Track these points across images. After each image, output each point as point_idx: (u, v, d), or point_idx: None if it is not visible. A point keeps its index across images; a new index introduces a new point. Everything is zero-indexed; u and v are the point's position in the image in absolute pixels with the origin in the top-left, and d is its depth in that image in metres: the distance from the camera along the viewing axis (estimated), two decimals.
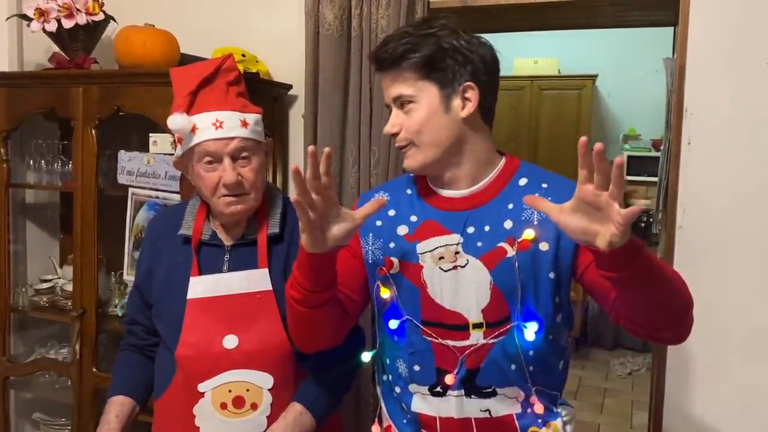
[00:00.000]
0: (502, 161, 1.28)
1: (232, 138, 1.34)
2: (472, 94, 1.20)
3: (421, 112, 1.19)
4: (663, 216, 2.18)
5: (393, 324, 1.25)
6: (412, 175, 1.33)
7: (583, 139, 0.95)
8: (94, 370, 2.33)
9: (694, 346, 1.98)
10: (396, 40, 1.19)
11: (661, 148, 2.38)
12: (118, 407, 1.47)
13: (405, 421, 1.30)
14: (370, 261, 1.29)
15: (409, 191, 1.31)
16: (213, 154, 1.34)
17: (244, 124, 1.36)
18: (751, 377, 1.94)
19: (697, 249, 1.95)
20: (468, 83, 1.20)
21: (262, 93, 2.19)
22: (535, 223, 1.19)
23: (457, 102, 1.20)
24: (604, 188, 0.93)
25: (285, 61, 2.33)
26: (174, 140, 2.05)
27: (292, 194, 1.05)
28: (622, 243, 0.93)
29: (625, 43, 5.36)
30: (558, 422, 1.27)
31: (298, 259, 1.13)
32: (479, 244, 1.20)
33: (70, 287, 2.41)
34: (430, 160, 1.21)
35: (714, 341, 1.96)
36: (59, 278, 2.58)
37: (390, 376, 1.32)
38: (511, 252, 1.18)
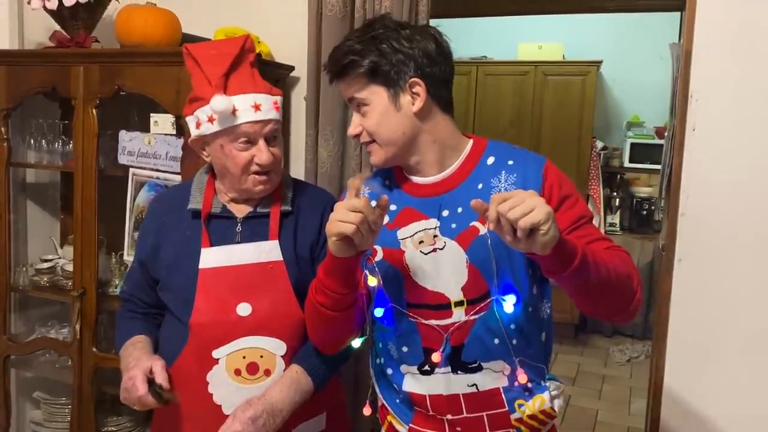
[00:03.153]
0: (469, 144, 1.33)
1: (269, 120, 1.41)
2: (419, 89, 1.26)
3: (374, 113, 1.27)
4: (666, 203, 2.18)
5: (378, 312, 1.30)
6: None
7: (473, 202, 1.06)
8: (94, 349, 2.33)
9: (695, 333, 1.98)
10: (341, 52, 1.28)
11: (666, 134, 2.37)
12: (135, 344, 1.47)
13: (398, 400, 1.35)
14: None
15: (387, 182, 1.38)
16: (251, 135, 1.40)
17: (276, 106, 1.44)
18: (751, 366, 1.94)
19: (700, 236, 1.94)
20: (413, 79, 1.26)
21: (265, 75, 2.13)
22: None
23: (406, 98, 1.27)
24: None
25: (287, 42, 2.31)
26: (175, 120, 2.06)
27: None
28: (546, 252, 1.02)
29: (630, 28, 5.32)
30: (545, 395, 1.30)
31: (324, 266, 1.21)
32: (453, 225, 1.26)
33: (70, 267, 2.41)
34: (391, 155, 1.30)
35: (714, 328, 1.96)
36: (60, 258, 2.58)
37: (382, 359, 1.38)
38: (483, 230, 1.23)
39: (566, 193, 1.24)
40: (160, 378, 1.34)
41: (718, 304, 1.94)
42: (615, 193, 5.40)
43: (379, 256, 1.30)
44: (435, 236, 1.26)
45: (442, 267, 1.25)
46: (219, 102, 1.37)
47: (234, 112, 1.38)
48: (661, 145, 2.61)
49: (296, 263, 1.46)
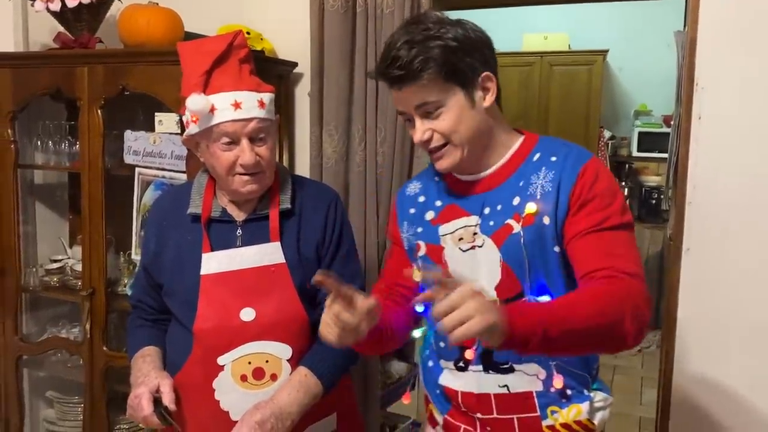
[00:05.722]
0: (520, 140, 1.29)
1: (251, 119, 1.36)
2: (491, 84, 1.23)
3: (451, 114, 1.20)
4: (673, 192, 2.16)
5: (419, 307, 1.30)
6: None
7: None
8: (105, 348, 2.35)
9: (704, 323, 1.97)
10: (404, 52, 1.17)
11: (672, 123, 2.35)
12: (144, 357, 1.47)
13: (438, 392, 1.35)
14: (406, 247, 1.36)
15: (437, 178, 1.35)
16: (231, 134, 1.36)
17: (261, 104, 1.38)
18: (761, 356, 1.93)
19: (708, 225, 1.93)
20: (485, 74, 1.22)
21: (267, 71, 2.17)
22: (538, 197, 1.20)
23: (479, 94, 1.22)
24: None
25: (290, 38, 2.31)
26: (179, 119, 2.06)
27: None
28: (497, 344, 0.98)
29: (636, 17, 5.27)
30: (584, 405, 1.24)
31: None
32: (491, 223, 1.23)
33: (79, 267, 2.42)
34: (466, 155, 1.23)
35: (723, 317, 1.95)
36: (69, 258, 2.59)
37: (427, 351, 1.39)
38: (517, 228, 1.20)
39: (596, 193, 1.17)
40: (167, 399, 1.33)
41: (726, 293, 1.93)
42: (623, 183, 5.37)
43: (423, 251, 1.30)
44: (475, 234, 1.24)
45: (478, 265, 1.23)
46: (193, 101, 1.34)
47: (212, 111, 1.34)
48: (669, 134, 2.59)
49: (300, 265, 1.44)
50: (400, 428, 2.51)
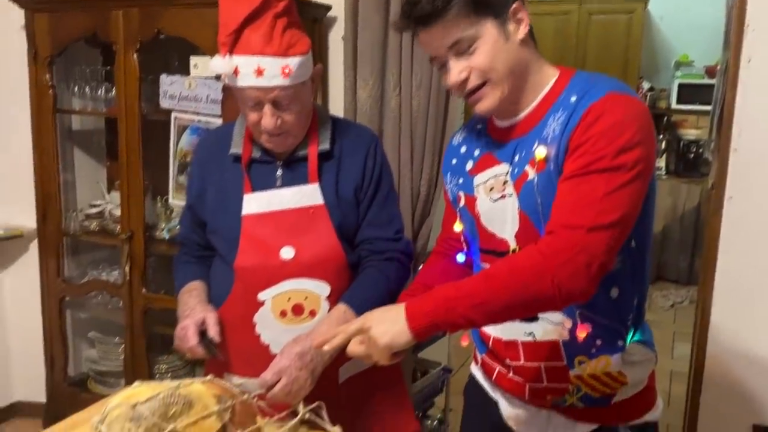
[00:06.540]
0: (554, 78, 1.21)
1: (273, 87, 1.34)
2: (523, 14, 1.16)
3: (486, 48, 1.14)
4: (716, 140, 2.10)
5: (460, 257, 1.31)
6: None
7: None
8: (144, 291, 2.41)
9: (744, 273, 1.94)
10: None
11: (718, 68, 2.27)
12: (190, 291, 1.50)
13: (477, 336, 1.36)
14: (450, 198, 1.34)
15: (479, 126, 1.31)
16: (255, 99, 1.36)
17: (286, 72, 1.34)
18: None
19: (752, 172, 1.88)
20: (515, 4, 1.15)
21: (301, 15, 2.12)
22: (548, 141, 1.14)
23: (511, 26, 1.15)
24: None
25: None
26: None
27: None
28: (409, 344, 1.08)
29: None
30: (614, 357, 1.19)
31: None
32: (516, 170, 1.19)
33: (118, 212, 2.47)
34: (507, 93, 1.17)
35: (764, 268, 1.91)
36: (107, 203, 2.64)
37: None
38: (532, 174, 1.16)
39: (591, 135, 1.07)
40: (212, 332, 1.37)
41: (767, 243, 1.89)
42: (661, 136, 5.24)
43: (462, 202, 1.29)
44: (505, 183, 1.20)
45: (506, 215, 1.20)
46: (216, 64, 1.34)
47: (236, 73, 1.33)
48: (711, 85, 2.50)
49: (338, 205, 1.45)
50: (431, 374, 2.54)
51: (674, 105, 5.24)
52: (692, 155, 5.20)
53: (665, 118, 5.34)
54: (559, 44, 5.16)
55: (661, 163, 5.24)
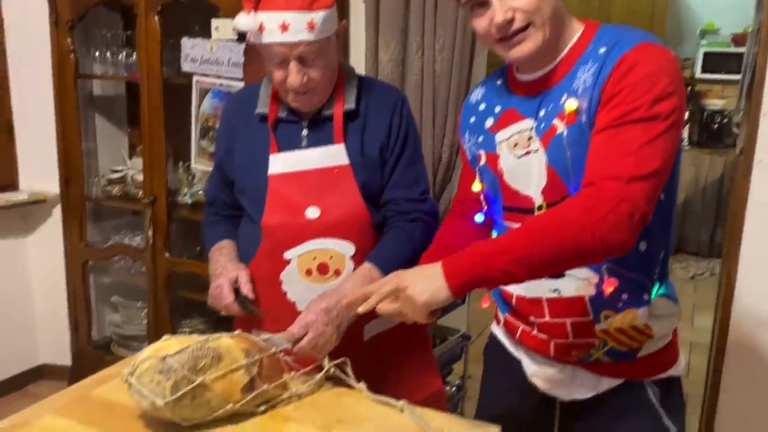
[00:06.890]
0: (579, 32, 1.19)
1: (298, 43, 1.33)
2: None
3: None
4: (746, 106, 2.06)
5: (479, 217, 1.30)
6: (506, 64, 1.27)
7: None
8: (167, 255, 2.43)
9: None
10: None
11: (749, 31, 2.22)
12: (221, 249, 1.52)
13: (499, 296, 1.35)
14: (469, 158, 1.33)
15: (498, 81, 1.29)
16: (280, 55, 1.35)
17: (311, 26, 1.34)
18: None
19: None
20: None
21: None
22: (579, 92, 1.12)
23: None
24: None
25: None
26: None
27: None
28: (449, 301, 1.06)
29: None
30: (641, 311, 1.19)
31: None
32: (542, 125, 1.17)
33: (140, 177, 2.48)
34: (548, 36, 1.14)
35: None
36: (129, 169, 2.66)
37: None
38: (561, 127, 1.13)
39: (625, 85, 1.06)
40: (246, 289, 1.39)
41: None
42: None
43: (483, 160, 1.26)
44: (530, 138, 1.18)
45: (531, 170, 1.18)
46: (241, 21, 1.34)
47: (261, 30, 1.32)
48: (738, 54, 2.46)
49: (364, 165, 1.45)
50: (450, 340, 2.55)
51: (698, 74, 5.14)
52: (716, 126, 5.11)
53: (689, 88, 5.24)
54: (582, 10, 5.05)
55: (684, 133, 5.16)
